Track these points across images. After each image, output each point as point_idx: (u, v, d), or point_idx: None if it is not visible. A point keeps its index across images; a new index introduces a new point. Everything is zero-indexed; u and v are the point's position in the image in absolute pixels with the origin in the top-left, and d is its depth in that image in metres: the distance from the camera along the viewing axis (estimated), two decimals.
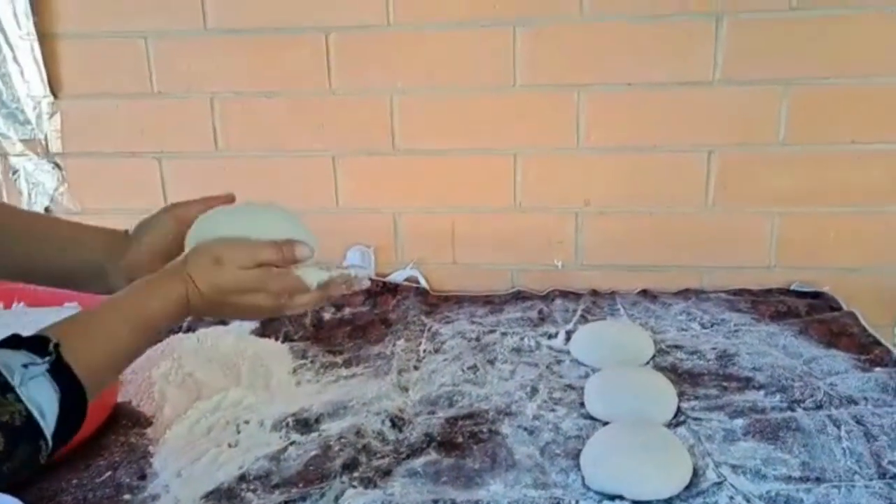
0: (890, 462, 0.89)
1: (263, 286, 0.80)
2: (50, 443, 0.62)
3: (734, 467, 0.90)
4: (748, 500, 0.84)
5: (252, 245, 0.81)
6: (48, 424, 0.61)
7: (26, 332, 1.26)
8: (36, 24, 1.47)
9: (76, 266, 0.87)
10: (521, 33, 1.41)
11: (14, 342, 0.64)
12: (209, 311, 0.81)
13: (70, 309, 1.29)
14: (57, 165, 1.57)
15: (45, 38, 1.49)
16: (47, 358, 0.63)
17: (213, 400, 1.09)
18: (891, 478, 0.87)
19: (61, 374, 0.64)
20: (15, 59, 1.50)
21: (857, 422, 0.97)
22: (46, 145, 1.56)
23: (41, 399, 0.61)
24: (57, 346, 0.64)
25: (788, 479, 0.88)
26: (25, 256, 0.86)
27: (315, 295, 0.86)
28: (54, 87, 1.52)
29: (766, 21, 1.35)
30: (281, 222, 0.86)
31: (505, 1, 1.40)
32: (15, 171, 1.59)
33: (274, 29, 1.46)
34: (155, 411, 1.09)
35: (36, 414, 0.61)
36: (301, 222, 0.88)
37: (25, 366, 0.62)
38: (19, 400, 0.60)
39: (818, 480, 0.87)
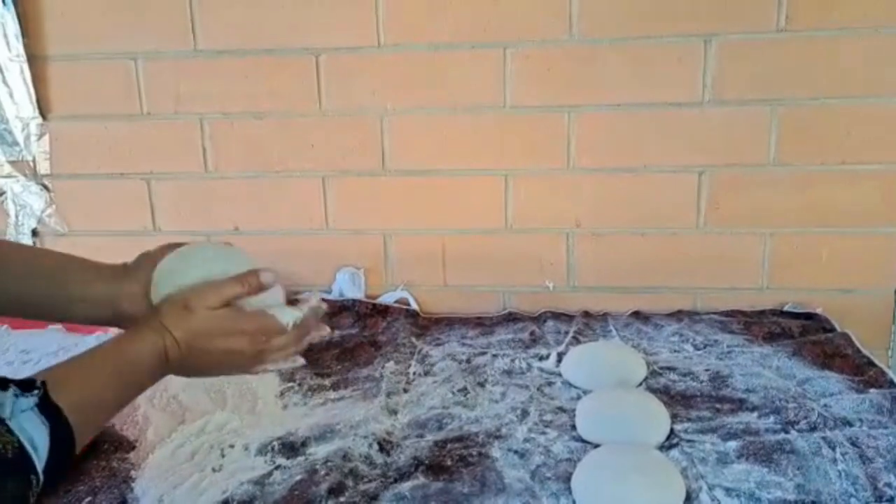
0: (886, 484, 0.88)
1: (237, 326, 0.81)
2: (41, 478, 0.61)
3: (728, 490, 0.88)
4: None
5: (216, 284, 0.82)
6: (40, 458, 0.61)
7: (10, 352, 1.24)
8: (26, 46, 1.47)
9: (74, 301, 0.86)
10: (511, 55, 1.42)
11: (1, 383, 0.64)
12: (189, 361, 0.80)
13: (54, 331, 1.28)
14: (45, 187, 1.56)
15: (35, 59, 1.49)
16: (35, 392, 0.64)
17: (197, 424, 1.08)
18: (887, 500, 0.85)
19: (49, 410, 0.64)
20: (4, 80, 1.50)
21: (853, 444, 0.95)
22: (34, 167, 1.55)
23: (32, 432, 0.61)
24: (44, 383, 0.65)
25: (783, 502, 0.86)
26: (21, 292, 0.85)
27: (292, 334, 0.85)
28: (43, 109, 1.51)
29: (754, 42, 1.36)
30: (236, 259, 0.87)
31: (495, 23, 1.41)
32: (2, 193, 1.58)
33: (264, 50, 1.46)
34: (138, 435, 1.07)
35: (28, 446, 0.60)
36: (251, 258, 0.89)
37: (15, 398, 0.62)
38: (10, 432, 0.59)
39: (813, 503, 0.85)
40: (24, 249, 0.90)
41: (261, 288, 0.83)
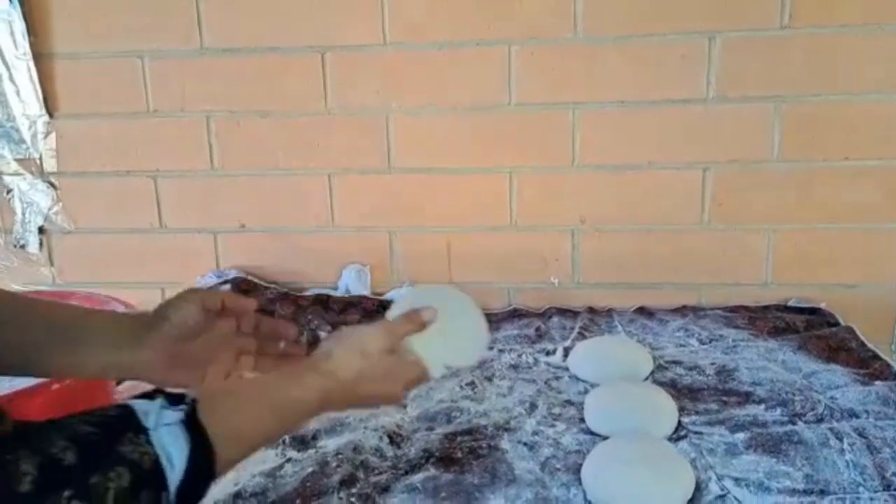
0: (894, 474, 0.88)
1: (400, 375, 0.80)
2: (172, 499, 0.57)
3: (737, 480, 0.89)
4: None
5: (390, 326, 0.82)
6: (174, 477, 0.57)
7: None
8: (32, 45, 1.48)
9: (86, 366, 0.79)
10: (515, 52, 1.43)
11: (150, 395, 0.62)
12: (341, 401, 0.78)
13: None
14: (51, 184, 1.57)
15: (42, 57, 1.50)
16: (183, 406, 0.60)
17: None
18: (895, 490, 0.86)
19: (194, 429, 0.60)
20: (11, 78, 1.50)
21: (860, 434, 0.96)
22: (41, 164, 1.56)
23: (171, 448, 0.58)
24: (194, 400, 0.62)
25: (793, 491, 0.87)
26: (25, 347, 0.77)
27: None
28: (50, 107, 1.52)
29: (758, 40, 1.37)
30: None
31: (500, 21, 1.42)
32: (9, 191, 1.58)
33: (270, 49, 1.47)
34: None
35: (164, 461, 0.57)
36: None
37: (161, 410, 0.59)
38: (150, 443, 0.57)
39: (822, 493, 0.86)
40: (39, 304, 0.83)
41: (424, 326, 0.82)
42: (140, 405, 0.58)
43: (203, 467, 0.59)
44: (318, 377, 0.74)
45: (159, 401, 0.60)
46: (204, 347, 0.81)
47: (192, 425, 0.60)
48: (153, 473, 0.55)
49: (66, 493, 0.49)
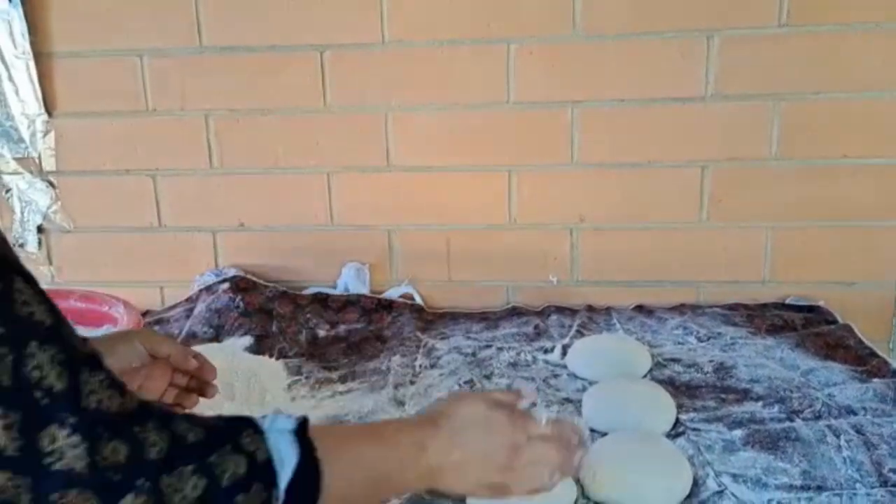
0: (891, 470, 0.89)
1: (496, 402, 0.73)
2: (282, 497, 0.58)
3: (735, 476, 0.89)
4: None
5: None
6: (284, 477, 0.58)
7: None
8: (32, 44, 1.48)
9: None
10: (514, 50, 1.43)
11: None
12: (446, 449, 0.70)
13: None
14: (50, 184, 1.57)
15: (41, 56, 1.49)
16: (295, 417, 0.62)
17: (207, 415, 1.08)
18: (892, 485, 0.87)
19: (304, 442, 0.61)
20: (10, 77, 1.50)
21: (857, 431, 0.97)
22: (40, 163, 1.56)
23: (282, 450, 0.59)
24: (305, 419, 0.62)
25: (790, 487, 0.87)
26: None
27: (553, 442, 0.73)
28: (49, 106, 1.52)
29: (756, 37, 1.37)
30: None
31: (499, 19, 1.42)
32: (8, 190, 1.58)
33: (269, 47, 1.47)
34: None
35: (275, 459, 0.58)
36: None
37: (274, 417, 0.61)
38: (265, 441, 0.58)
39: (819, 489, 0.87)
40: None
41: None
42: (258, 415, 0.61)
43: (310, 477, 0.60)
44: (428, 471, 0.69)
45: (273, 410, 0.60)
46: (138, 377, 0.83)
47: (303, 438, 0.61)
48: (266, 469, 0.57)
49: (190, 467, 0.52)
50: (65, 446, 0.47)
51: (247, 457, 0.56)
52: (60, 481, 0.47)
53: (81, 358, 0.51)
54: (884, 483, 0.87)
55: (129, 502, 0.49)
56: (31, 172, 1.57)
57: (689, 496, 0.86)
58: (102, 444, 0.49)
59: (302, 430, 0.61)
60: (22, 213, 1.59)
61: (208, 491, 0.53)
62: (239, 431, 0.57)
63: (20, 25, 1.47)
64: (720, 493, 0.86)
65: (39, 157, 1.55)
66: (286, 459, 0.58)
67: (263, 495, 0.56)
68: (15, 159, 1.56)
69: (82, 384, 0.49)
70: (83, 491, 0.48)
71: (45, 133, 1.54)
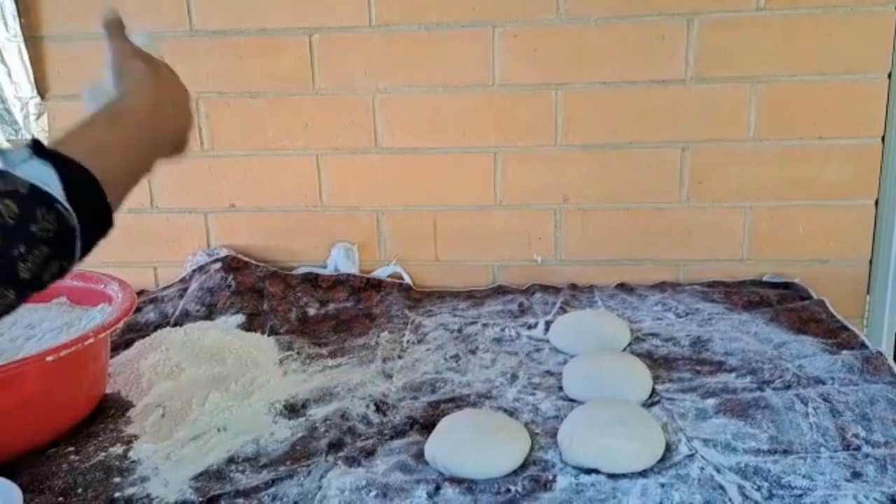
0: (854, 435, 0.93)
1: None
2: (68, 209, 0.60)
3: (705, 441, 0.93)
4: (718, 471, 0.87)
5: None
6: (55, 191, 0.60)
7: (15, 328, 1.26)
8: (23, 26, 1.50)
9: None
10: (499, 34, 1.46)
11: None
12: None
13: (58, 306, 1.31)
14: None
15: (33, 39, 1.51)
16: (26, 146, 0.63)
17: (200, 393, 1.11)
18: (854, 449, 0.91)
19: (50, 156, 0.63)
20: (2, 60, 1.52)
21: (824, 399, 1.01)
22: None
23: (37, 173, 0.60)
24: (35, 141, 0.64)
25: (757, 451, 0.91)
26: None
27: None
28: (41, 88, 1.54)
29: (734, 21, 1.40)
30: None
31: (483, 3, 1.45)
32: None
33: (258, 30, 1.49)
34: (143, 399, 1.11)
35: (38, 182, 0.60)
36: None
37: (4, 154, 0.62)
38: (14, 177, 0.59)
39: (785, 452, 0.91)
40: None
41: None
42: None
43: (84, 185, 0.63)
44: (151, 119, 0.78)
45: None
46: None
47: (44, 152, 0.62)
48: (35, 195, 0.59)
49: None
50: None
51: (10, 196, 0.58)
52: None
53: None
54: (846, 447, 0.91)
55: None
56: None
57: (661, 460, 0.90)
58: None
59: (38, 148, 0.63)
60: None
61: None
62: None
63: (11, 7, 1.49)
64: (691, 456, 0.90)
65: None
66: (46, 178, 0.60)
67: (50, 216, 0.59)
68: (8, 141, 1.58)
69: None
70: None
71: (38, 115, 1.56)
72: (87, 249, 0.66)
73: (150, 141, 0.79)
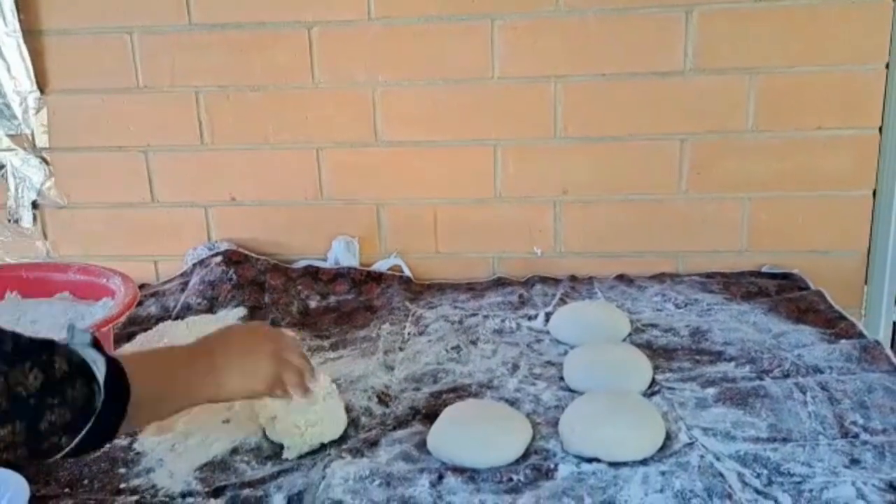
0: (852, 422, 0.94)
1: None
2: (102, 393, 0.69)
3: (705, 430, 0.95)
4: (718, 459, 0.88)
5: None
6: (99, 372, 0.70)
7: (21, 322, 1.27)
8: (22, 21, 1.50)
9: None
10: (498, 27, 1.46)
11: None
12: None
13: (62, 301, 1.31)
14: (44, 160, 1.60)
15: (32, 34, 1.51)
16: (89, 332, 0.74)
17: None
18: (852, 437, 0.92)
19: (102, 351, 0.73)
20: (1, 55, 1.52)
21: (822, 388, 1.02)
22: (33, 140, 1.58)
23: (90, 354, 0.71)
24: (96, 337, 0.74)
25: (756, 439, 0.92)
26: None
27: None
28: (41, 83, 1.54)
29: (733, 12, 1.41)
30: None
31: None
32: (2, 167, 1.61)
33: (258, 24, 1.49)
34: None
35: (88, 360, 0.70)
36: None
37: (72, 335, 0.74)
38: (72, 351, 0.70)
39: (784, 440, 0.92)
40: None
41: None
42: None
43: (118, 375, 0.72)
44: (212, 370, 0.86)
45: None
46: None
47: (99, 347, 0.73)
48: (82, 367, 0.69)
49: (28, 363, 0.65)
50: None
51: (65, 359, 0.68)
52: None
53: None
54: (844, 434, 0.92)
55: None
56: (24, 149, 1.59)
57: (661, 448, 0.91)
58: None
59: (97, 343, 0.74)
60: (16, 189, 1.61)
61: (47, 382, 0.65)
62: (51, 343, 0.69)
63: (9, 2, 1.48)
64: (691, 444, 0.91)
65: (32, 134, 1.58)
66: (97, 361, 0.71)
67: (85, 390, 0.68)
68: (8, 136, 1.58)
69: None
70: None
71: (38, 110, 1.56)
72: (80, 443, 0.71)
73: (194, 380, 0.86)
